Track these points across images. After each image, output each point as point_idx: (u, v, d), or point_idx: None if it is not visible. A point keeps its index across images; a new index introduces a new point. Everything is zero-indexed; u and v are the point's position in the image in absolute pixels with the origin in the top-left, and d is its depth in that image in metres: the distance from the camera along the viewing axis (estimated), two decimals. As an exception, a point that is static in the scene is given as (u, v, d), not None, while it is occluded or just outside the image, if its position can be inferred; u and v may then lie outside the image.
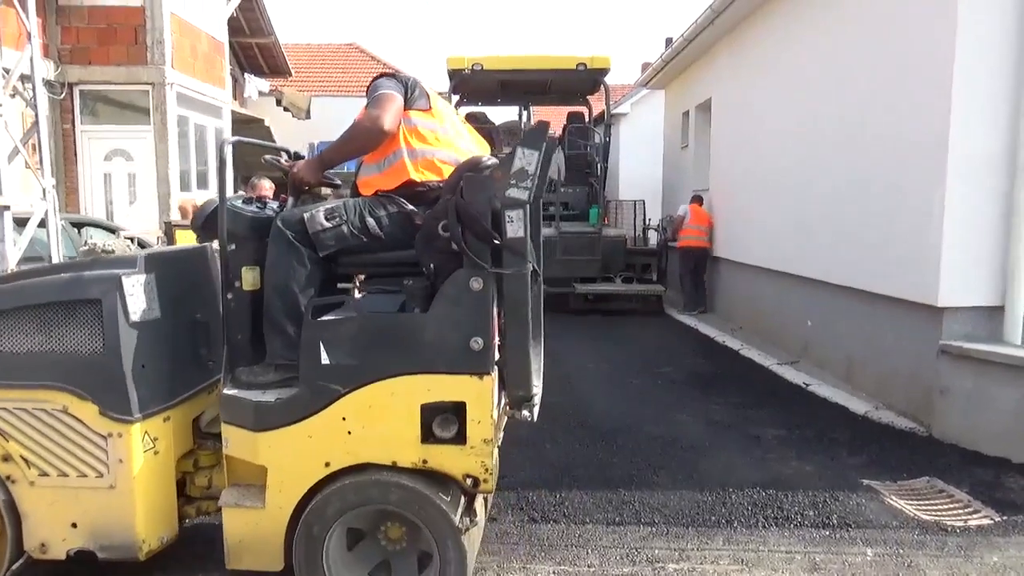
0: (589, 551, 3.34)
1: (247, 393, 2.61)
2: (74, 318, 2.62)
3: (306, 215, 2.64)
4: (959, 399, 4.84)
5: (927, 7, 5.18)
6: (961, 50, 4.75)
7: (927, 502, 3.90)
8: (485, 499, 3.06)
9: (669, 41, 13.51)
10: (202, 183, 11.67)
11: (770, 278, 8.23)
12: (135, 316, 2.63)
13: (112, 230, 8.26)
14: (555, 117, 14.58)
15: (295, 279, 2.62)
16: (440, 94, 3.12)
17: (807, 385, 6.31)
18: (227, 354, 2.68)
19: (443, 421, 2.48)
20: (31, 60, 6.51)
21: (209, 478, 2.88)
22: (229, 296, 2.67)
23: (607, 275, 10.44)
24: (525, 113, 12.82)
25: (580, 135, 11.75)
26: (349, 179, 2.96)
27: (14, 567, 2.74)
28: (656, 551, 3.34)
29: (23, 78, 6.88)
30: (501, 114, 13.47)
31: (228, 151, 2.66)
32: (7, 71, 6.58)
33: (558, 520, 3.65)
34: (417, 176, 2.71)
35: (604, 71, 10.42)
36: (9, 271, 5.30)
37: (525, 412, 2.63)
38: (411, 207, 2.71)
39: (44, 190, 6.46)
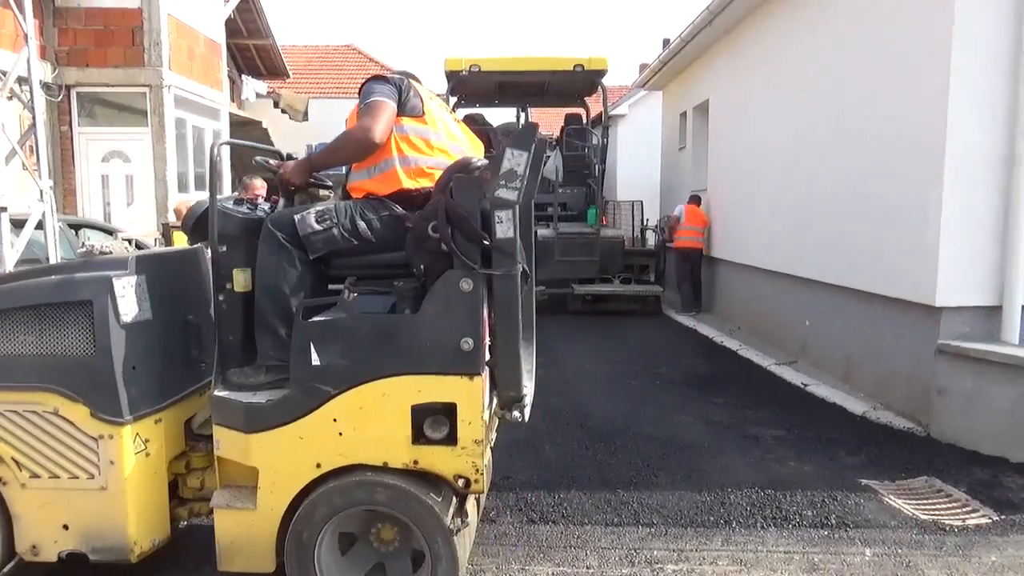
0: (588, 552, 3.33)
1: (238, 394, 2.60)
2: (65, 320, 2.61)
3: (297, 217, 2.64)
4: (957, 399, 4.83)
5: (924, 7, 5.17)
6: (957, 49, 4.75)
7: (925, 502, 3.90)
8: (477, 500, 3.05)
9: (666, 42, 13.50)
10: (200, 185, 11.66)
11: (768, 278, 8.22)
12: (126, 317, 2.63)
13: (110, 232, 8.26)
14: (553, 118, 14.60)
15: (286, 280, 2.62)
16: (438, 95, 3.11)
17: (805, 385, 6.30)
18: (218, 355, 2.67)
19: (434, 422, 2.47)
20: (28, 62, 6.50)
21: (201, 480, 2.87)
22: (220, 298, 2.67)
23: (605, 276, 10.43)
24: (523, 115, 12.82)
25: (578, 136, 11.75)
26: (340, 181, 2.95)
27: (5, 569, 2.73)
28: (655, 552, 3.33)
29: (20, 80, 6.88)
30: (499, 116, 13.48)
31: (224, 153, 2.66)
32: (4, 73, 6.59)
33: (557, 521, 3.64)
34: (410, 184, 2.72)
35: (601, 72, 10.42)
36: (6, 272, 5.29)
37: (516, 413, 2.62)
38: (402, 211, 2.71)
39: (41, 192, 6.45)
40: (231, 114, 13.38)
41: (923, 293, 5.04)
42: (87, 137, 10.42)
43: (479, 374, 2.44)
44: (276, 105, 16.89)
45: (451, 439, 2.47)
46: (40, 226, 6.47)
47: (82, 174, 10.39)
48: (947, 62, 4.78)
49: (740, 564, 3.24)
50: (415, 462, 2.49)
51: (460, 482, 2.49)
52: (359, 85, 2.79)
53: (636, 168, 16.79)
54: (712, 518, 3.68)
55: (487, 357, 2.52)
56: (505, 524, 3.59)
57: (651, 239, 12.48)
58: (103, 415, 2.59)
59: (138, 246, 7.90)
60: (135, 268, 2.71)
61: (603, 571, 3.18)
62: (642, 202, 12.63)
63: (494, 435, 2.86)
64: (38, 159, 6.63)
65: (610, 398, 5.96)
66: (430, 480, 2.52)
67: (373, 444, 2.49)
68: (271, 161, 2.91)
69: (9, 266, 5.97)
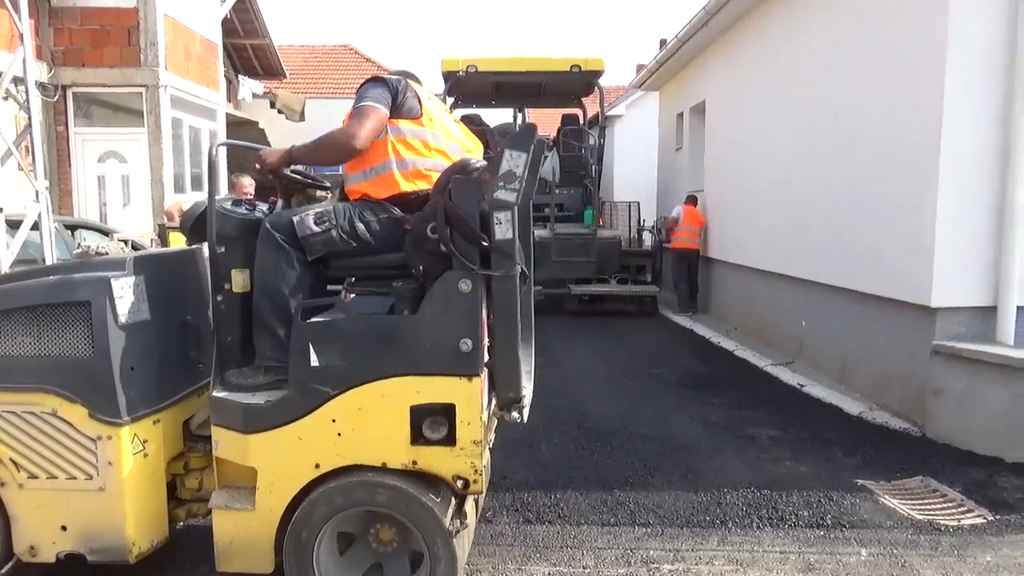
0: (584, 552, 3.34)
1: (237, 395, 2.60)
2: (63, 320, 2.61)
3: (296, 219, 2.64)
4: (952, 399, 4.85)
5: (920, 7, 5.19)
6: (953, 49, 4.76)
7: (921, 502, 3.91)
8: (476, 500, 3.06)
9: (663, 43, 13.53)
10: (196, 185, 11.64)
11: (765, 279, 8.24)
12: (124, 318, 2.63)
13: (106, 232, 8.24)
14: (550, 119, 14.60)
15: (284, 281, 2.62)
16: (435, 95, 3.11)
17: (802, 386, 6.32)
18: (217, 356, 2.67)
19: (433, 423, 2.48)
20: (24, 62, 6.48)
21: (199, 480, 2.87)
22: (219, 298, 2.67)
23: (602, 276, 10.44)
24: (520, 115, 12.82)
25: (575, 137, 11.76)
26: (338, 182, 2.95)
27: (4, 570, 2.72)
28: (651, 552, 3.34)
29: (16, 80, 6.86)
30: (496, 116, 13.47)
31: (221, 154, 2.66)
32: (0, 74, 6.56)
33: (553, 521, 3.65)
34: (408, 187, 2.72)
35: (598, 73, 10.43)
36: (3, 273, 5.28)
37: (515, 414, 2.63)
38: (400, 213, 2.71)
39: (37, 192, 6.43)
40: (228, 114, 13.36)
41: (919, 294, 5.06)
42: (83, 137, 10.39)
43: (478, 375, 2.44)
44: (273, 105, 16.86)
45: (450, 440, 2.47)
46: (36, 227, 6.44)
47: (78, 174, 10.36)
48: (943, 62, 4.79)
49: (736, 564, 3.25)
50: (414, 463, 2.49)
51: (459, 483, 2.50)
52: (358, 86, 2.80)
53: (633, 169, 16.81)
54: (708, 518, 3.69)
55: (486, 358, 2.53)
56: (502, 524, 3.60)
57: (648, 239, 12.51)
58: (101, 416, 2.59)
59: (134, 247, 7.89)
60: (133, 269, 2.71)
61: (599, 571, 3.18)
62: (639, 203, 12.66)
63: (492, 436, 2.86)
64: (34, 159, 6.61)
65: (607, 398, 5.97)
66: (429, 481, 2.52)
67: (372, 445, 2.50)
68: (254, 146, 2.91)
69: (5, 267, 5.95)
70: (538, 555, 3.31)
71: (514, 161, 2.36)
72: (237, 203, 2.83)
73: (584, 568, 3.21)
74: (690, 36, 10.12)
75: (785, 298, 7.70)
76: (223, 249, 2.65)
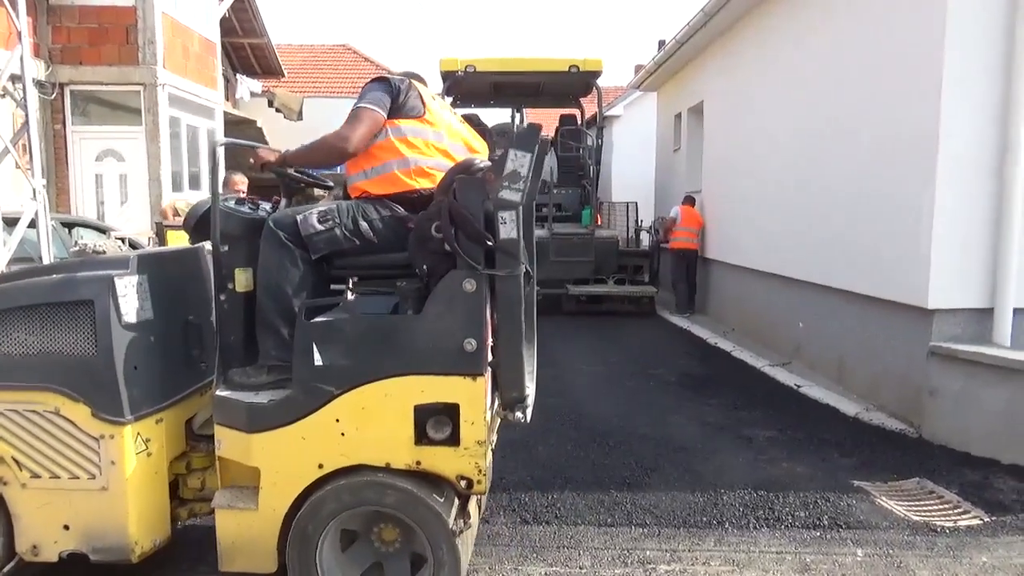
0: (581, 552, 3.35)
1: (240, 394, 2.60)
2: (66, 319, 2.61)
3: (299, 217, 2.64)
4: (949, 400, 4.87)
5: (916, 10, 5.21)
6: (950, 50, 4.77)
7: (917, 503, 3.93)
8: (479, 501, 3.06)
9: (662, 43, 13.56)
10: (194, 184, 11.62)
11: (762, 280, 8.26)
12: (128, 317, 2.62)
13: (103, 231, 8.22)
14: (548, 119, 14.60)
15: (288, 280, 2.62)
16: (438, 95, 3.13)
17: (799, 387, 6.34)
18: (220, 355, 2.67)
19: (436, 422, 2.48)
20: (21, 60, 6.46)
21: (202, 480, 2.87)
22: (222, 297, 2.67)
23: (599, 276, 10.46)
24: (518, 115, 12.83)
25: (573, 137, 11.77)
26: (342, 180, 2.96)
27: (5, 570, 2.72)
28: (648, 552, 3.35)
29: (13, 78, 6.84)
30: (494, 116, 13.47)
31: (221, 153, 2.66)
32: (-3, 71, 6.54)
33: (550, 522, 3.65)
34: (409, 184, 2.73)
35: (596, 73, 10.44)
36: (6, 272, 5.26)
37: (518, 414, 2.63)
38: (403, 211, 2.72)
39: (34, 190, 6.41)
40: (225, 113, 13.33)
41: (916, 295, 5.08)
42: (81, 135, 10.36)
43: (482, 375, 2.45)
44: (271, 104, 16.80)
45: (454, 440, 2.47)
46: (33, 225, 6.43)
47: (75, 173, 10.33)
48: (940, 63, 4.80)
49: (733, 564, 3.26)
50: (418, 463, 2.50)
51: (462, 483, 2.50)
52: (359, 86, 2.81)
53: (631, 169, 16.84)
54: (705, 519, 3.69)
55: (490, 358, 2.53)
56: (498, 524, 3.60)
57: (645, 240, 12.52)
58: (104, 415, 2.58)
59: (131, 245, 7.88)
60: (136, 268, 2.70)
61: (596, 571, 3.19)
62: (637, 203, 12.67)
63: (494, 437, 2.87)
64: (31, 157, 6.59)
65: (604, 399, 5.98)
66: (433, 481, 2.52)
67: (376, 444, 2.50)
68: (255, 145, 2.93)
69: (1, 265, 5.93)
70: (535, 555, 3.31)
71: (519, 161, 2.37)
72: (240, 202, 2.83)
73: (581, 568, 3.21)
74: (688, 37, 10.15)
75: (782, 299, 7.73)
76: (226, 248, 2.65)
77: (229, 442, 2.60)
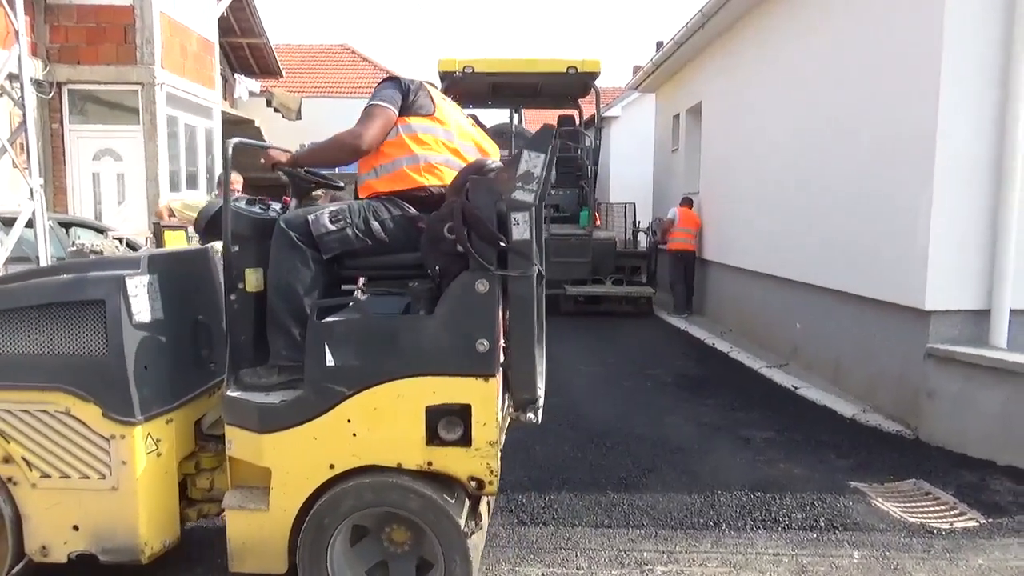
0: (578, 554, 3.35)
1: (251, 395, 2.60)
2: (77, 319, 2.61)
3: (311, 217, 2.65)
4: (946, 402, 4.90)
5: (915, 10, 5.23)
6: (948, 51, 4.80)
7: (913, 504, 3.95)
8: (488, 503, 3.07)
9: (660, 44, 13.61)
10: (191, 184, 11.60)
11: (759, 281, 8.30)
12: (138, 317, 2.63)
13: (100, 230, 8.20)
14: (546, 120, 14.61)
15: (299, 280, 2.62)
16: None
17: (796, 388, 6.37)
18: (230, 356, 2.67)
19: (448, 423, 2.48)
20: (19, 59, 6.44)
21: (211, 480, 2.88)
22: (232, 297, 2.67)
23: (597, 277, 10.49)
24: (516, 116, 12.85)
25: (571, 138, 11.79)
26: (354, 179, 2.97)
27: (15, 570, 2.71)
28: (645, 554, 3.35)
29: (11, 77, 6.81)
30: (492, 116, 13.48)
31: (230, 153, 2.66)
32: (-5, 70, 6.51)
33: (547, 523, 3.65)
34: (423, 180, 2.74)
35: (594, 74, 10.47)
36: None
37: (530, 415, 2.64)
38: (415, 211, 2.73)
39: (32, 190, 6.39)
40: (223, 113, 13.30)
41: (913, 297, 5.11)
42: (78, 135, 10.32)
43: (494, 375, 2.45)
44: (269, 104, 16.78)
45: (465, 440, 2.48)
46: (30, 224, 6.41)
47: (73, 172, 10.30)
48: (938, 64, 4.82)
49: (729, 566, 3.26)
50: (429, 463, 2.50)
51: (473, 484, 2.50)
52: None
53: (629, 170, 16.87)
54: (702, 520, 3.70)
55: (502, 359, 2.54)
56: (495, 525, 3.59)
57: (643, 241, 12.56)
58: (115, 415, 2.58)
59: (129, 245, 7.85)
60: (147, 267, 2.71)
61: (593, 572, 3.19)
62: (634, 204, 12.71)
63: (503, 438, 2.89)
64: (28, 157, 6.57)
65: (602, 399, 5.98)
66: (444, 482, 2.52)
67: (387, 445, 2.50)
68: (267, 145, 2.95)
69: (-1, 264, 5.92)
70: (532, 556, 3.31)
71: (532, 162, 2.38)
72: (251, 202, 2.84)
73: (578, 569, 3.21)
74: (687, 38, 10.18)
75: (779, 300, 7.76)
76: (237, 248, 2.65)
77: (240, 442, 2.60)
